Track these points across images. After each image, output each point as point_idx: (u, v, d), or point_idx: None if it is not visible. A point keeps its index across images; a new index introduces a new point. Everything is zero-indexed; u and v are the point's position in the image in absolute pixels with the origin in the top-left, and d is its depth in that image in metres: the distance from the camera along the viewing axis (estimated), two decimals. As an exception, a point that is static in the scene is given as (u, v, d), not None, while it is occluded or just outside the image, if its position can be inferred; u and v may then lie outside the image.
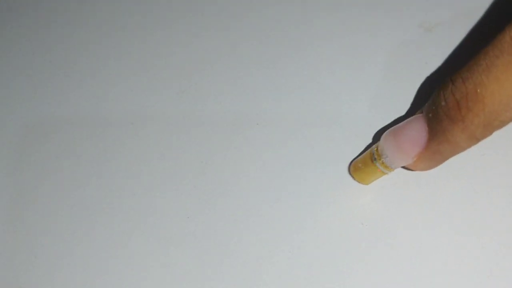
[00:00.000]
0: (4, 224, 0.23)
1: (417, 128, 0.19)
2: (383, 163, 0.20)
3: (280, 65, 0.26)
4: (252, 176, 0.23)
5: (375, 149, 0.20)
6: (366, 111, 0.24)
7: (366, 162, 0.21)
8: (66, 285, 0.22)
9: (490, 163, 0.22)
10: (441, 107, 0.18)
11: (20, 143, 0.25)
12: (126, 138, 0.25)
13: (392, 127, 0.20)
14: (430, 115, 0.19)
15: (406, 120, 0.20)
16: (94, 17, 0.28)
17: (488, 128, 0.17)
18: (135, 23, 0.28)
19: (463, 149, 0.19)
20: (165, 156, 0.24)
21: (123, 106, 0.25)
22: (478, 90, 0.17)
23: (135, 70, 0.26)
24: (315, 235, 0.22)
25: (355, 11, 0.27)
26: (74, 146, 0.25)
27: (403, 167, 0.21)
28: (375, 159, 0.20)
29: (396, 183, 0.22)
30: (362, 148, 0.23)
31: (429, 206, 0.22)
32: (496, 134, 0.23)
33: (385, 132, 0.20)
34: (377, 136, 0.23)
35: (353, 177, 0.22)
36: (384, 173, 0.21)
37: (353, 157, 0.23)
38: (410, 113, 0.24)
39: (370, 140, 0.24)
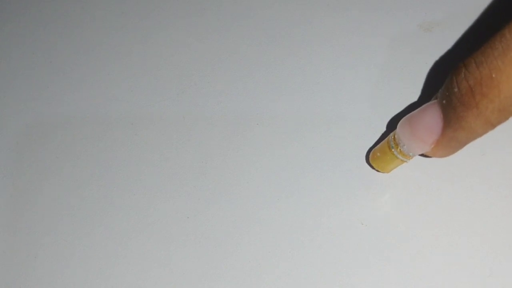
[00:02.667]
0: (4, 224, 0.23)
1: (432, 115, 0.19)
2: (401, 151, 0.20)
3: (280, 65, 0.26)
4: (252, 176, 0.23)
5: (392, 137, 0.20)
6: (365, 112, 0.24)
7: (384, 150, 0.21)
8: (66, 285, 0.22)
9: (490, 163, 0.22)
10: (454, 94, 0.17)
11: (20, 143, 0.25)
12: (126, 138, 0.25)
13: (408, 114, 0.20)
14: (444, 101, 0.18)
15: (421, 107, 0.19)
16: (94, 17, 0.28)
17: (504, 114, 0.17)
18: (135, 24, 0.28)
19: (479, 135, 0.18)
20: (165, 156, 0.24)
21: (123, 106, 0.25)
22: (493, 75, 0.16)
23: (135, 70, 0.26)
24: (315, 235, 0.22)
25: (355, 11, 0.27)
26: (74, 146, 0.25)
27: (422, 154, 0.20)
28: (392, 147, 0.20)
29: (395, 184, 0.22)
30: (362, 148, 0.23)
31: (428, 206, 0.22)
32: (497, 134, 0.23)
33: (401, 120, 0.20)
34: (391, 124, 0.23)
35: (371, 166, 0.22)
36: (403, 161, 0.21)
37: (353, 157, 0.23)
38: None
39: (370, 141, 0.24)
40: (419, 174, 0.23)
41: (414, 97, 0.24)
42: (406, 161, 0.21)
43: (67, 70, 0.27)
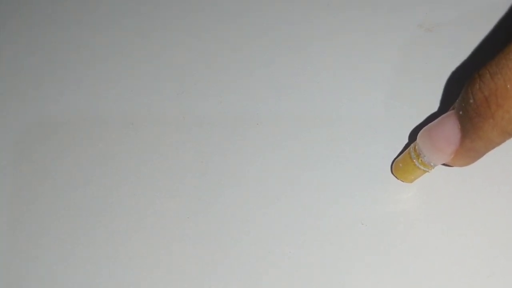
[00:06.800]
0: (4, 224, 0.23)
1: (450, 126, 0.19)
2: (422, 161, 0.20)
3: (280, 65, 0.26)
4: (252, 176, 0.23)
5: (413, 148, 0.20)
6: (365, 111, 0.24)
7: (406, 161, 0.21)
8: (66, 285, 0.22)
9: (490, 163, 0.22)
10: (469, 105, 0.18)
11: (20, 143, 0.25)
12: (126, 138, 0.25)
13: (427, 126, 0.20)
14: (461, 112, 0.18)
15: (439, 118, 0.19)
16: (94, 17, 0.28)
17: None
18: (135, 23, 0.28)
19: (497, 144, 0.18)
20: (165, 156, 0.24)
21: (123, 106, 0.25)
22: (508, 86, 0.16)
23: (135, 70, 0.26)
24: (315, 235, 0.22)
25: (355, 11, 0.27)
26: (74, 146, 0.25)
27: (443, 164, 0.20)
28: (414, 158, 0.20)
29: (395, 184, 0.22)
30: (362, 148, 0.23)
31: (428, 206, 0.22)
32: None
33: (421, 131, 0.20)
34: (413, 135, 0.23)
35: (395, 176, 0.22)
36: (425, 171, 0.21)
37: (352, 157, 0.23)
38: (411, 112, 0.24)
39: (369, 140, 0.24)
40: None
41: (412, 97, 0.24)
42: (428, 171, 0.21)
43: (67, 70, 0.27)
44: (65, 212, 0.23)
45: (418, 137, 0.20)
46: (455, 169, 0.22)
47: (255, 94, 0.25)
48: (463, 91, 0.18)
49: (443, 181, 0.22)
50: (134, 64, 0.27)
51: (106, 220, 0.23)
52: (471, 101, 0.18)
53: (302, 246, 0.22)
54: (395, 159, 0.22)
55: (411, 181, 0.22)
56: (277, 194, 0.23)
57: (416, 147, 0.20)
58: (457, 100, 0.19)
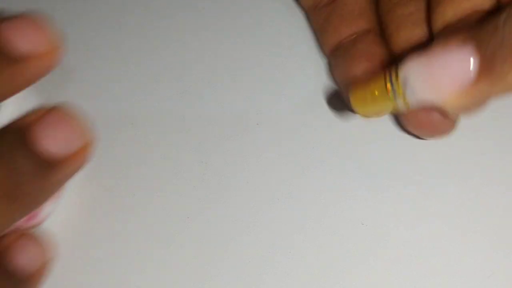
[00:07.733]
0: (4, 224, 0.23)
1: (463, 63, 0.15)
2: (403, 95, 0.15)
3: (280, 65, 0.26)
4: (252, 176, 0.23)
5: (394, 76, 0.16)
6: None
7: (380, 90, 0.16)
8: (66, 285, 0.22)
9: (490, 162, 0.22)
10: (501, 43, 0.14)
11: (20, 143, 0.25)
12: (126, 138, 0.25)
13: (424, 53, 0.15)
14: (488, 51, 0.14)
15: (444, 47, 0.15)
16: (94, 17, 0.28)
17: None
18: (135, 23, 0.28)
19: None
20: (165, 156, 0.24)
21: (123, 106, 0.25)
22: None
23: (135, 70, 0.26)
24: (315, 235, 0.22)
25: (355, 11, 0.27)
26: (74, 146, 0.25)
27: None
28: (394, 88, 0.16)
29: (396, 183, 0.22)
30: (362, 148, 0.23)
31: (429, 206, 0.22)
32: (496, 132, 0.23)
33: (413, 57, 0.15)
34: None
35: (352, 105, 0.17)
36: (396, 109, 0.16)
37: (353, 157, 0.23)
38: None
39: (370, 139, 0.23)
40: (419, 174, 0.23)
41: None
42: (400, 110, 0.16)
43: (66, 69, 0.27)
44: (64, 212, 0.23)
45: (408, 63, 0.15)
46: (455, 168, 0.22)
47: (255, 94, 0.25)
48: (491, 25, 0.14)
49: (443, 181, 0.22)
50: (134, 64, 0.27)
51: (105, 220, 0.23)
52: (505, 39, 0.14)
53: (303, 246, 0.22)
54: (357, 84, 0.17)
55: (369, 117, 0.17)
56: (277, 194, 0.23)
57: (400, 75, 0.15)
58: (476, 33, 0.15)
